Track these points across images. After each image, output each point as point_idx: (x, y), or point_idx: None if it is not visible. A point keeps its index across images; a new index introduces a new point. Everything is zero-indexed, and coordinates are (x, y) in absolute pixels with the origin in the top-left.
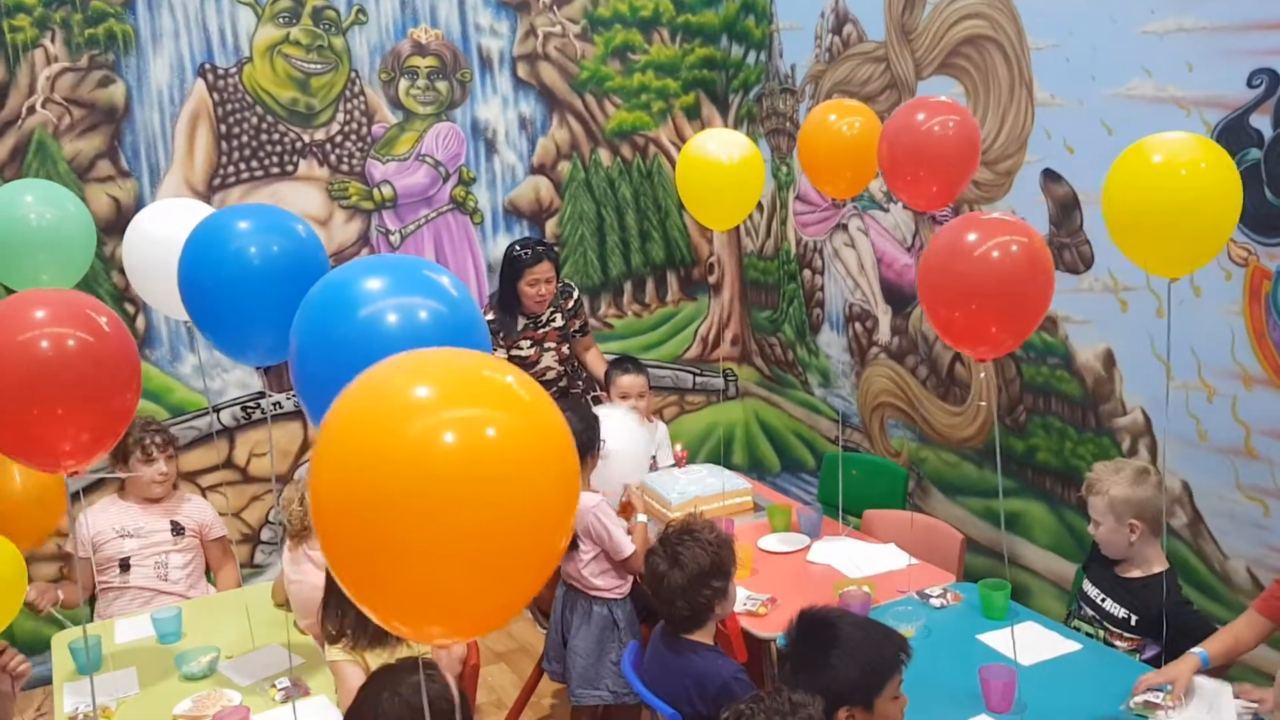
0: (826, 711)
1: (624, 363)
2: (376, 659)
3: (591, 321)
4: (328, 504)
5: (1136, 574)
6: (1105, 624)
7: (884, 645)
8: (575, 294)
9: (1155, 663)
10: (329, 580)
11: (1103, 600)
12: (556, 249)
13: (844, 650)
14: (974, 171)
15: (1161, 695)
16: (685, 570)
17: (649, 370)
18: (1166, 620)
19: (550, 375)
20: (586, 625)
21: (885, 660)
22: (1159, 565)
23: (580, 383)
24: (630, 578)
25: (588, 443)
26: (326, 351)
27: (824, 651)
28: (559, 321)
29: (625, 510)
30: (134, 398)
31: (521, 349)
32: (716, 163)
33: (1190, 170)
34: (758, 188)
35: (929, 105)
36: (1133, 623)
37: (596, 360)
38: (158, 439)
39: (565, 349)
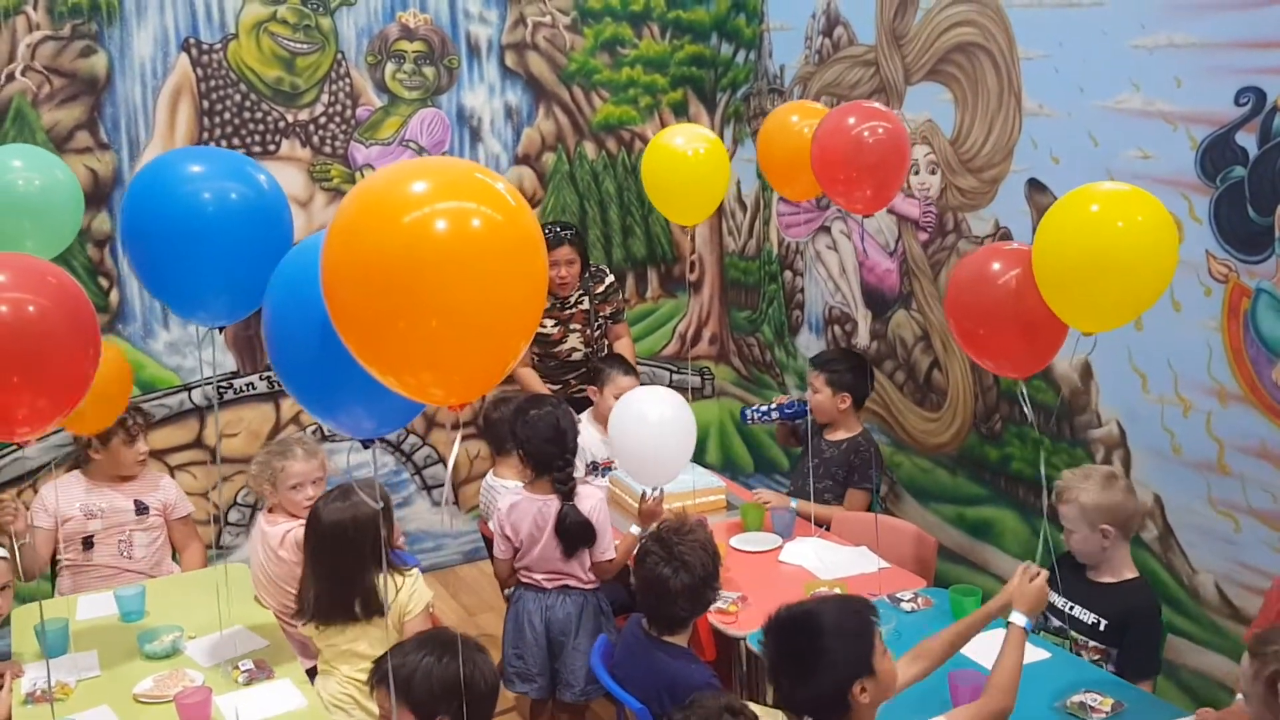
0: (841, 692)
1: (624, 363)
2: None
3: None
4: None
5: (1108, 579)
6: (1072, 633)
7: (858, 607)
8: (607, 280)
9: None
10: (305, 562)
11: (1071, 608)
12: (578, 232)
13: (832, 631)
14: (904, 177)
15: (1099, 699)
16: (693, 573)
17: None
18: (1131, 623)
19: (576, 357)
20: (585, 621)
21: (865, 621)
22: (1129, 572)
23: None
24: None
25: (550, 456)
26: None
27: (815, 643)
28: (586, 304)
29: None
30: (92, 365)
31: (545, 326)
32: (681, 155)
33: (1127, 223)
34: (722, 183)
35: (860, 110)
36: (1101, 628)
37: (626, 350)
38: (139, 419)
39: (590, 332)
